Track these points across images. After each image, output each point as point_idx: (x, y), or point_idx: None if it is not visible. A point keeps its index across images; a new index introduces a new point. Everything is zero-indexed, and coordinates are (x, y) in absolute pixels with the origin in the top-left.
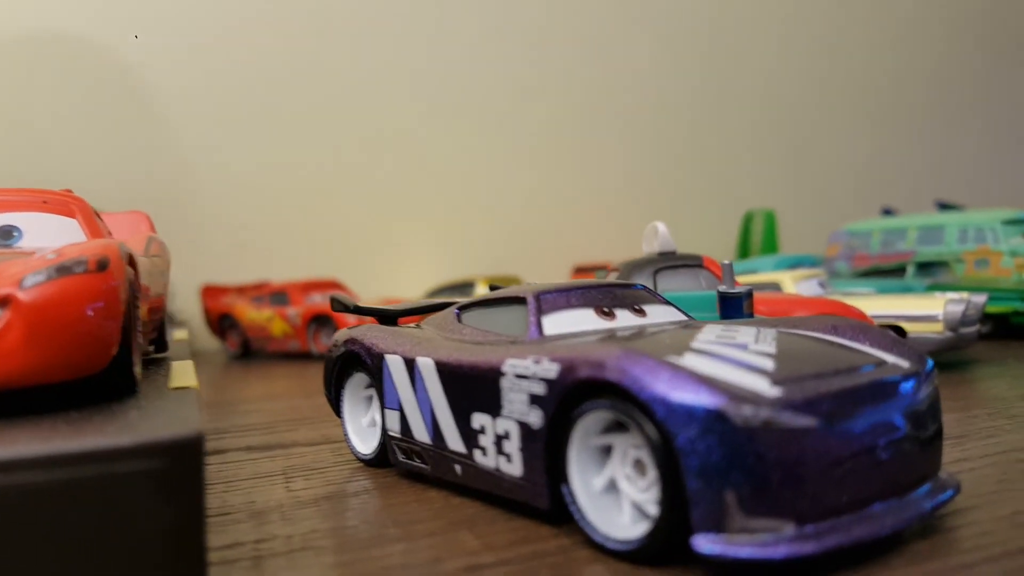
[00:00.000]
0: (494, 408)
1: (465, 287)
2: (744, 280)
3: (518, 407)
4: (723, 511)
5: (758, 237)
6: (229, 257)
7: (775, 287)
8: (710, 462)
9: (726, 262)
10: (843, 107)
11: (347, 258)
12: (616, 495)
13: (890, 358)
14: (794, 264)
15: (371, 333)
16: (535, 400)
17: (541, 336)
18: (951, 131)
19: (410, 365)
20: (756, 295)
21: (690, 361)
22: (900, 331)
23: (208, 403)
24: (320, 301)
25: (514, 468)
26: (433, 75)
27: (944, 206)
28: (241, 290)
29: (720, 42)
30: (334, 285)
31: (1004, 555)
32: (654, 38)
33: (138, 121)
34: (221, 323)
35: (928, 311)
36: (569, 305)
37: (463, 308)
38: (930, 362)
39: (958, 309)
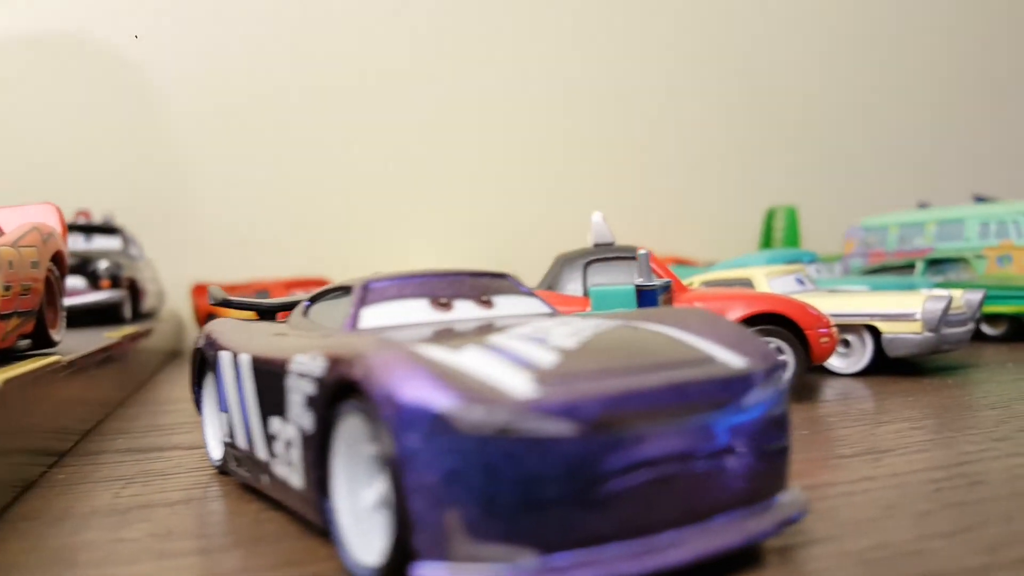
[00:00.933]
0: (283, 410)
1: None
2: (718, 276)
3: (297, 409)
4: (446, 535)
5: (780, 234)
6: (227, 256)
7: (746, 283)
8: (430, 474)
9: (642, 252)
10: (870, 99)
11: (344, 254)
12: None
13: (725, 355)
14: (791, 260)
15: (221, 327)
16: (309, 401)
17: (354, 329)
18: (988, 119)
19: (236, 362)
20: (710, 291)
21: (457, 356)
22: (875, 331)
23: (144, 402)
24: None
25: (297, 479)
26: (431, 72)
27: (982, 200)
28: (231, 289)
29: (740, 37)
30: (319, 283)
31: None
32: (671, 33)
33: (132, 121)
34: (208, 321)
35: (904, 309)
36: (400, 295)
37: (313, 299)
38: (778, 364)
39: (938, 307)
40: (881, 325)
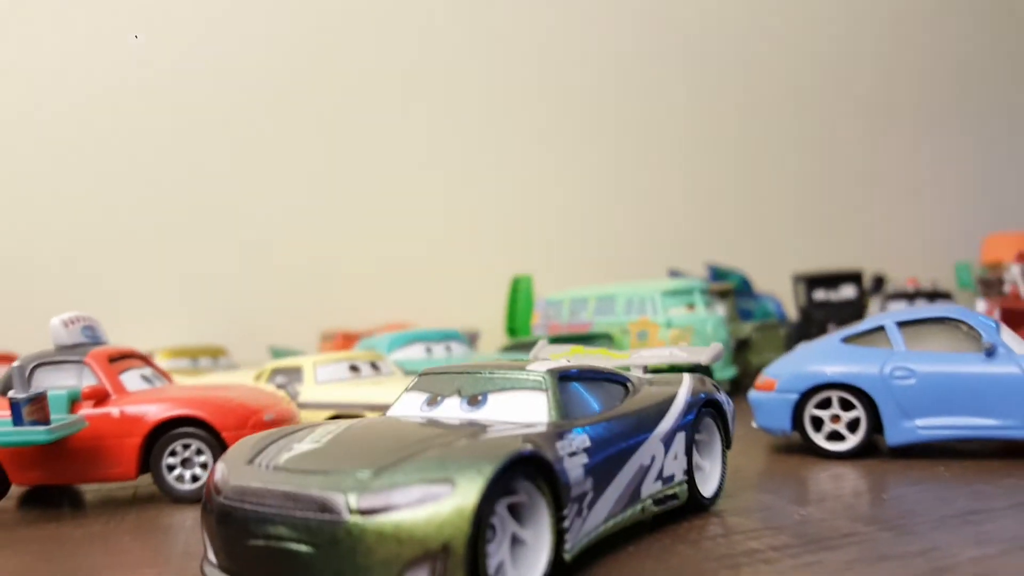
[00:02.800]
0: None
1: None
2: (276, 365)
3: None
4: None
5: (522, 303)
6: None
7: (297, 372)
8: None
9: (16, 364)
10: (620, 167)
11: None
12: None
13: None
14: (426, 338)
15: None
16: None
17: None
18: (722, 192)
19: None
20: (153, 392)
21: None
22: None
23: None
24: None
25: None
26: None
27: (717, 270)
28: None
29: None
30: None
31: None
32: (407, 96)
33: None
34: None
35: (382, 401)
36: None
37: None
38: None
39: None
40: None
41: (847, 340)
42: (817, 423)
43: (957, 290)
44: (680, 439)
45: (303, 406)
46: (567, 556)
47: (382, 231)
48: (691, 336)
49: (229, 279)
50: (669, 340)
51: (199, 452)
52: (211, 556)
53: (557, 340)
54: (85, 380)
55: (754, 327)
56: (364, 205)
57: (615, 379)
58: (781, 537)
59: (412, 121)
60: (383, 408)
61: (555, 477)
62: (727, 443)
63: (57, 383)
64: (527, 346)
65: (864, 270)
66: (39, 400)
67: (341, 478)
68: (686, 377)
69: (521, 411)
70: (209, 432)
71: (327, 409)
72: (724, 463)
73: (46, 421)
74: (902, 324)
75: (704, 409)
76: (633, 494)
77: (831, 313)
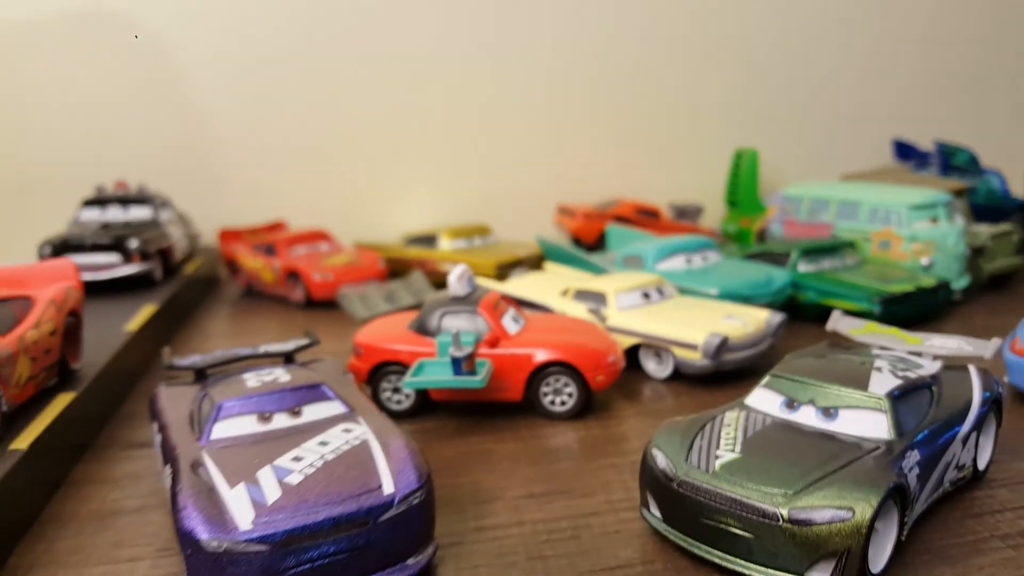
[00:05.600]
0: None
1: (429, 239)
2: (584, 287)
3: None
4: None
5: (745, 177)
6: (249, 201)
7: (601, 297)
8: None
9: (453, 331)
10: (848, 40)
11: (348, 200)
12: None
13: (387, 481)
14: (681, 249)
15: (166, 394)
16: None
17: (207, 442)
18: (973, 71)
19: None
20: (526, 335)
21: (229, 492)
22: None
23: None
24: (303, 253)
25: None
26: (449, 30)
27: (945, 148)
28: (251, 233)
29: None
30: (319, 236)
31: None
32: None
33: (154, 82)
34: (231, 266)
35: (688, 340)
36: (241, 412)
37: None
38: (415, 488)
39: (714, 342)
40: (673, 348)
41: None
42: None
43: None
44: (973, 434)
45: (610, 330)
46: (902, 539)
47: (603, 106)
48: (933, 250)
49: (476, 166)
50: (911, 253)
51: (566, 384)
52: (654, 510)
53: (808, 251)
54: (477, 324)
55: (989, 235)
56: (588, 81)
57: (925, 385)
58: None
59: None
60: (683, 344)
61: (906, 491)
62: (999, 423)
63: (456, 326)
64: (774, 256)
65: None
66: (471, 356)
67: (774, 494)
68: (975, 374)
69: (867, 427)
70: (574, 370)
71: (633, 337)
72: (996, 438)
73: (473, 371)
74: None
75: (992, 405)
76: (939, 482)
77: None
